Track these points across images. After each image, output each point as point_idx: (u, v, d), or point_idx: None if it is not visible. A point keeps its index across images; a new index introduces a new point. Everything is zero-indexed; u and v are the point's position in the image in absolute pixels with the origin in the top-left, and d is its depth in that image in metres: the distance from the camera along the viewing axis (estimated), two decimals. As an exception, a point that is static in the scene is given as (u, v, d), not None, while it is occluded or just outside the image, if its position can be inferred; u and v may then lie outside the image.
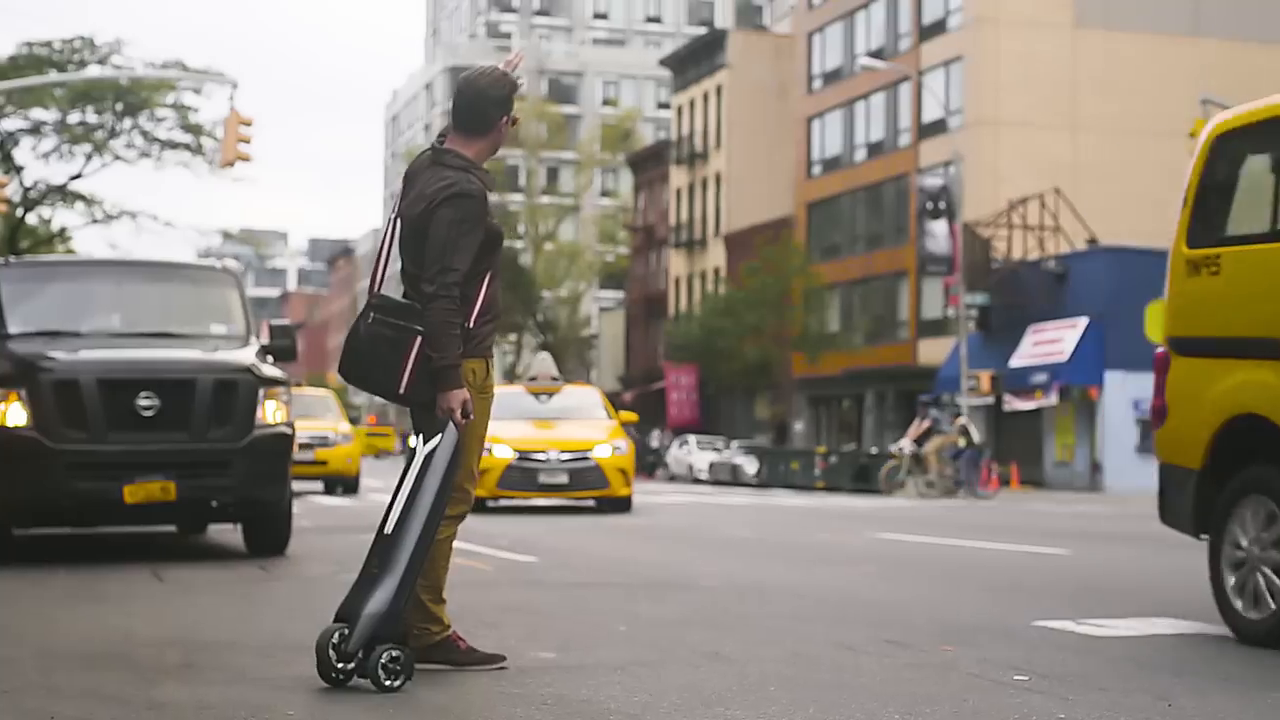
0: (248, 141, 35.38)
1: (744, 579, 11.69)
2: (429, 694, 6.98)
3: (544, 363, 29.13)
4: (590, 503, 26.96)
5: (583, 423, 27.72)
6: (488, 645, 8.55)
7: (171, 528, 18.21)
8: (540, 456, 25.98)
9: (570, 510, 26.46)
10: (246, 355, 14.85)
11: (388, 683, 6.98)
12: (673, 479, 67.62)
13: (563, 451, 26.17)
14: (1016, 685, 7.19)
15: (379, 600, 7.12)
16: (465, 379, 7.45)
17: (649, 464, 70.37)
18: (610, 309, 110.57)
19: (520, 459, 25.67)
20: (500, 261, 7.79)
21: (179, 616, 10.01)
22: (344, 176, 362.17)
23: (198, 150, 58.22)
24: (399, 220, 7.73)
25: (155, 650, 8.30)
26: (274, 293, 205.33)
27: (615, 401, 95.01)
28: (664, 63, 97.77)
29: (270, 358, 15.27)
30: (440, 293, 7.34)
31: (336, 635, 7.14)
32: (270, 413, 14.56)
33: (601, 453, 26.37)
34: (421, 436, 7.41)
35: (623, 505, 26.63)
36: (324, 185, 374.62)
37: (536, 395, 28.12)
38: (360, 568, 7.41)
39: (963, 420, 43.33)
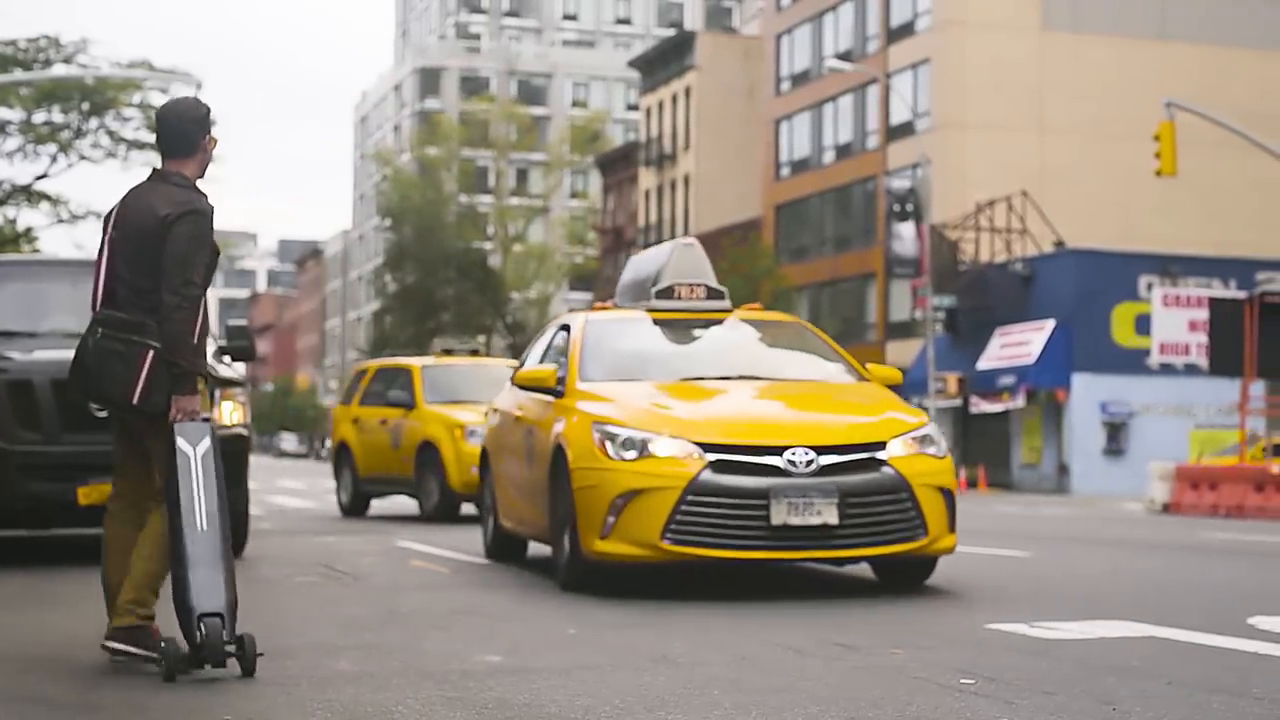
0: (215, 143, 35.16)
1: (698, 581, 11.61)
2: (374, 698, 6.92)
3: (687, 258, 13.97)
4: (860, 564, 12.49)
5: (813, 389, 12.73)
6: (435, 648, 8.56)
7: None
8: (769, 459, 11.26)
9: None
10: (203, 356, 14.73)
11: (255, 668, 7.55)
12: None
13: (812, 449, 11.36)
14: (963, 689, 7.14)
15: (229, 592, 7.66)
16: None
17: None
18: (578, 310, 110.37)
19: (719, 465, 11.18)
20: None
21: (127, 619, 9.93)
22: (313, 178, 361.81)
23: (165, 151, 57.78)
24: (118, 238, 8.08)
25: (98, 653, 8.22)
26: (243, 294, 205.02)
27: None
28: (633, 64, 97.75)
29: (227, 358, 15.16)
30: (184, 304, 7.73)
31: (223, 630, 7.51)
32: (226, 414, 14.45)
33: (897, 451, 11.62)
34: (185, 440, 7.80)
35: (927, 568, 12.13)
36: (293, 186, 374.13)
37: (675, 324, 13.67)
38: (187, 565, 7.66)
39: None
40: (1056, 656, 8.20)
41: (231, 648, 7.50)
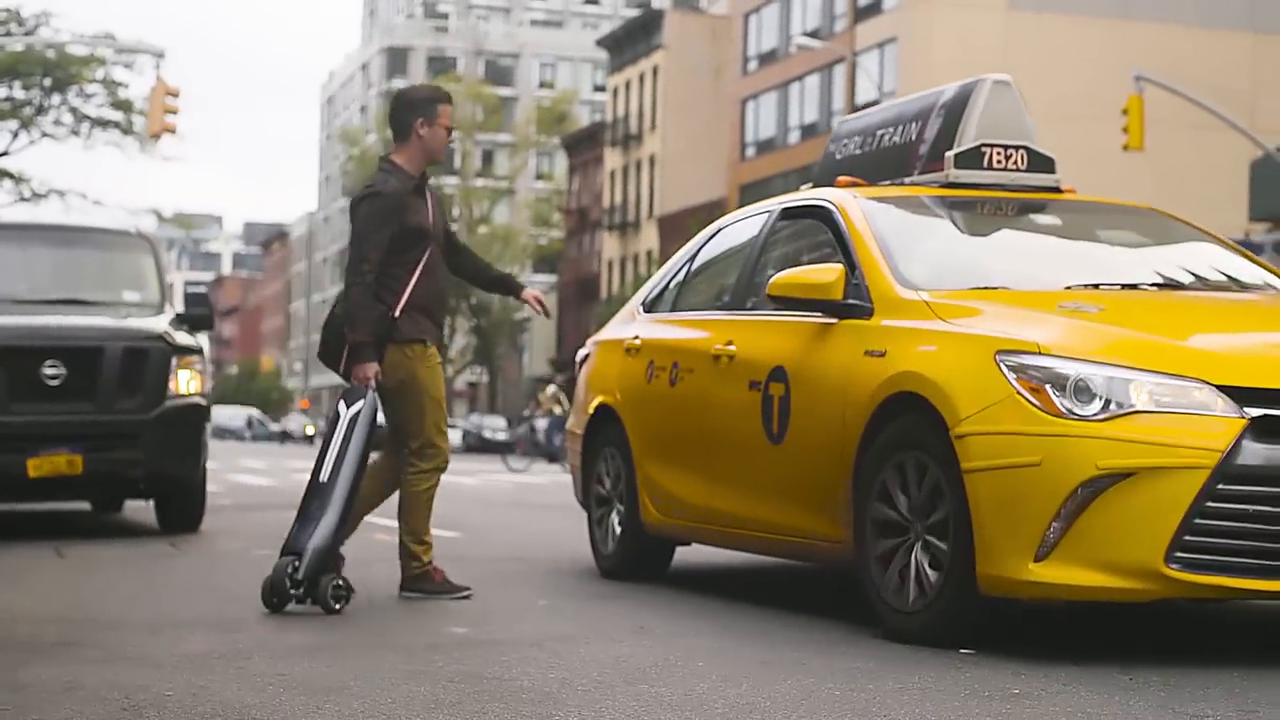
0: (175, 113, 34.67)
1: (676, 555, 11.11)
2: (327, 670, 6.42)
3: (1002, 104, 9.15)
4: None
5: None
6: (398, 620, 8.08)
7: (85, 505, 17.57)
8: None
9: (496, 478, 25.71)
10: (159, 323, 14.18)
11: (336, 606, 8.26)
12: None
13: None
14: (963, 658, 6.68)
15: (321, 536, 8.38)
16: (405, 355, 8.95)
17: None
18: (542, 293, 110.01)
19: (1270, 427, 6.63)
20: (433, 259, 9.06)
21: (70, 593, 9.42)
22: (279, 160, 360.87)
23: (129, 129, 57.12)
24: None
25: (35, 628, 7.71)
26: (208, 276, 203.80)
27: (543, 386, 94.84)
28: (600, 43, 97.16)
29: (186, 326, 14.63)
30: (354, 280, 8.85)
31: (290, 566, 8.30)
32: (183, 382, 13.91)
33: None
34: (344, 402, 8.71)
35: None
36: (259, 169, 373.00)
37: (986, 208, 9.14)
38: (299, 510, 8.56)
39: (553, 389, 46.66)
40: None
41: (289, 585, 8.26)
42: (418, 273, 8.97)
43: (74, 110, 57.07)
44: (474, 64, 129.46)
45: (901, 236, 8.42)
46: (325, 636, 7.44)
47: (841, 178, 9.31)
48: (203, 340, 15.14)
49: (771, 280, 8.33)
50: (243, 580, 10.08)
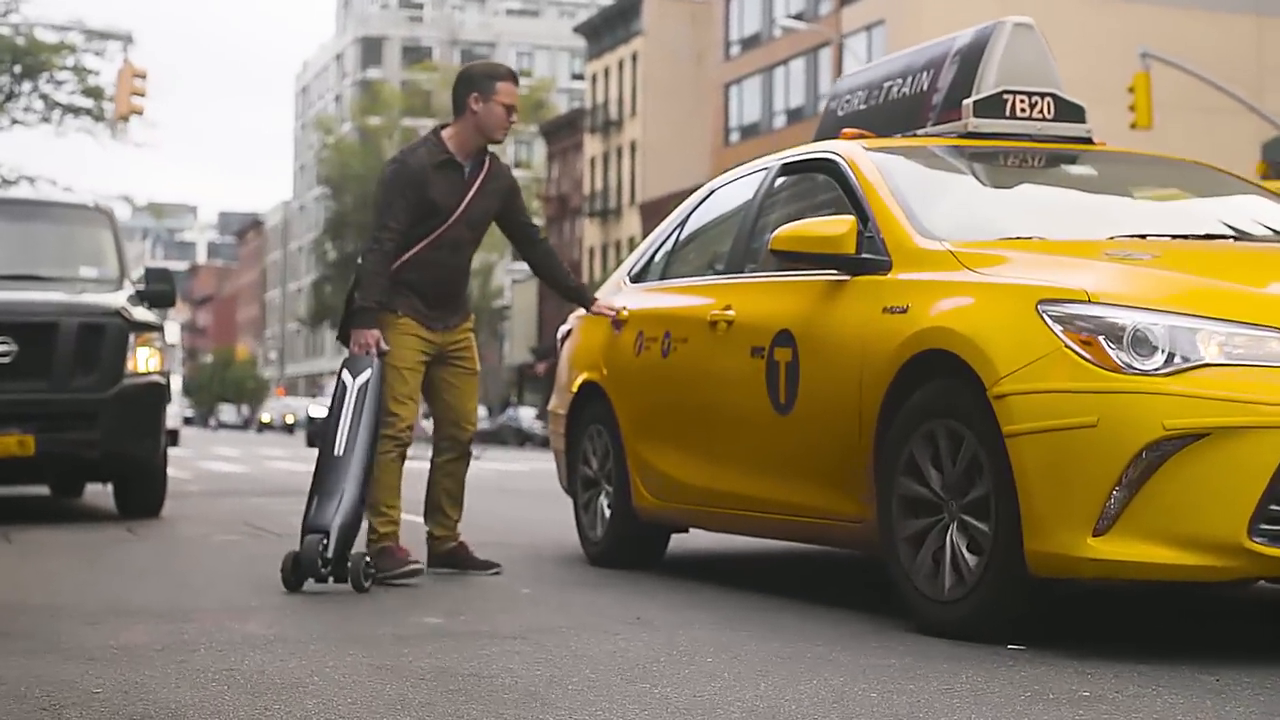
0: (142, 94, 33.77)
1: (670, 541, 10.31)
2: (280, 666, 5.59)
3: (1024, 48, 8.32)
4: None
5: None
6: (363, 610, 7.28)
7: (44, 490, 16.76)
8: None
9: (474, 465, 24.83)
10: (116, 298, 13.40)
11: (366, 584, 8.00)
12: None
13: None
14: (1013, 654, 5.87)
15: (346, 513, 8.10)
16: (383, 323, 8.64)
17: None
18: (522, 281, 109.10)
19: None
20: (444, 238, 8.76)
21: (12, 580, 8.59)
22: (254, 149, 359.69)
23: (100, 116, 56.24)
24: None
25: (-38, 616, 6.91)
26: (183, 266, 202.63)
27: (527, 374, 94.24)
28: (579, 30, 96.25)
29: (146, 303, 13.82)
30: (370, 246, 8.66)
31: (320, 544, 7.99)
32: (142, 360, 13.14)
33: None
34: (349, 372, 8.44)
35: None
36: (234, 158, 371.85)
37: (1010, 160, 8.23)
38: (316, 486, 8.21)
39: None
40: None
41: (320, 564, 7.95)
42: (419, 248, 8.70)
43: (45, 97, 56.13)
44: (449, 53, 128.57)
45: (918, 188, 7.55)
46: (282, 628, 6.61)
47: (847, 130, 8.49)
48: (173, 328, 14.30)
49: (774, 235, 7.44)
50: (201, 567, 9.31)
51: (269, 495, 17.99)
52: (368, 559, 8.10)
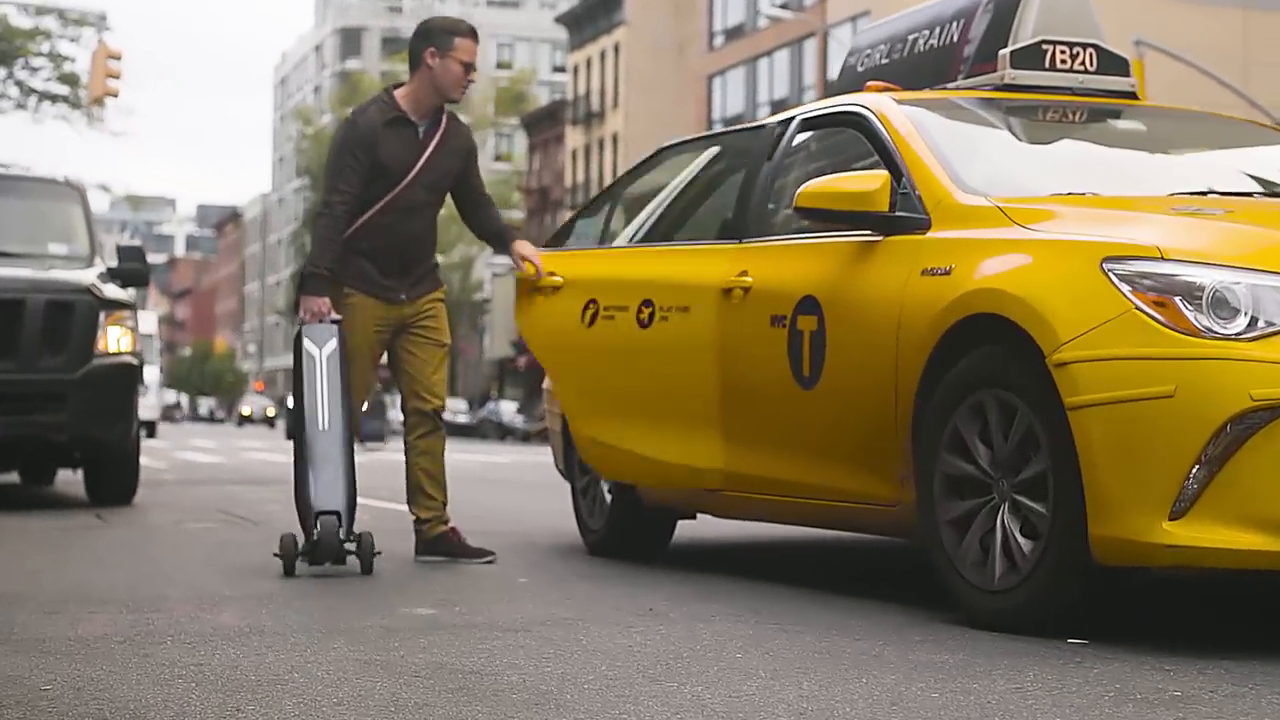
0: (117, 76, 33.03)
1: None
2: (256, 660, 4.95)
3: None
4: None
5: None
6: (347, 600, 6.64)
7: (14, 478, 16.09)
8: None
9: (456, 458, 24.16)
10: (86, 275, 12.74)
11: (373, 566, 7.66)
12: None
13: None
14: (1078, 650, 5.25)
15: (349, 489, 7.77)
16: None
17: (541, 431, 68.09)
18: (502, 274, 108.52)
19: None
20: (399, 201, 8.24)
21: (-35, 567, 7.97)
22: (233, 142, 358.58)
23: (76, 103, 55.63)
24: None
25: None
26: (161, 259, 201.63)
27: (508, 368, 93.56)
28: (560, 20, 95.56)
29: (118, 281, 13.17)
30: (322, 211, 8.21)
31: (339, 528, 7.64)
32: (113, 340, 12.47)
33: None
34: (311, 342, 7.99)
35: None
36: (212, 151, 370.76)
37: (1048, 114, 7.59)
38: (308, 464, 7.75)
39: None
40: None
41: (351, 546, 7.64)
42: (371, 213, 8.21)
43: (20, 84, 55.53)
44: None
45: (955, 142, 6.89)
46: (258, 619, 5.96)
47: (872, 83, 7.83)
48: (150, 319, 13.66)
49: (799, 191, 6.75)
50: (172, 555, 8.67)
51: (245, 484, 17.33)
52: (373, 540, 7.74)
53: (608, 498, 8.70)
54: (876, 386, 6.37)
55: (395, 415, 63.91)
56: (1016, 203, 6.20)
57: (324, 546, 7.55)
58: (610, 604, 6.47)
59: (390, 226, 8.23)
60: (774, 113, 56.50)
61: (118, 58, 33.05)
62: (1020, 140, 7.36)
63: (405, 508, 8.49)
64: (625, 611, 6.21)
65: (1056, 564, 5.49)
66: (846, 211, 6.56)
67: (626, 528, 8.61)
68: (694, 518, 8.76)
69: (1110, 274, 5.40)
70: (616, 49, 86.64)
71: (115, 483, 13.15)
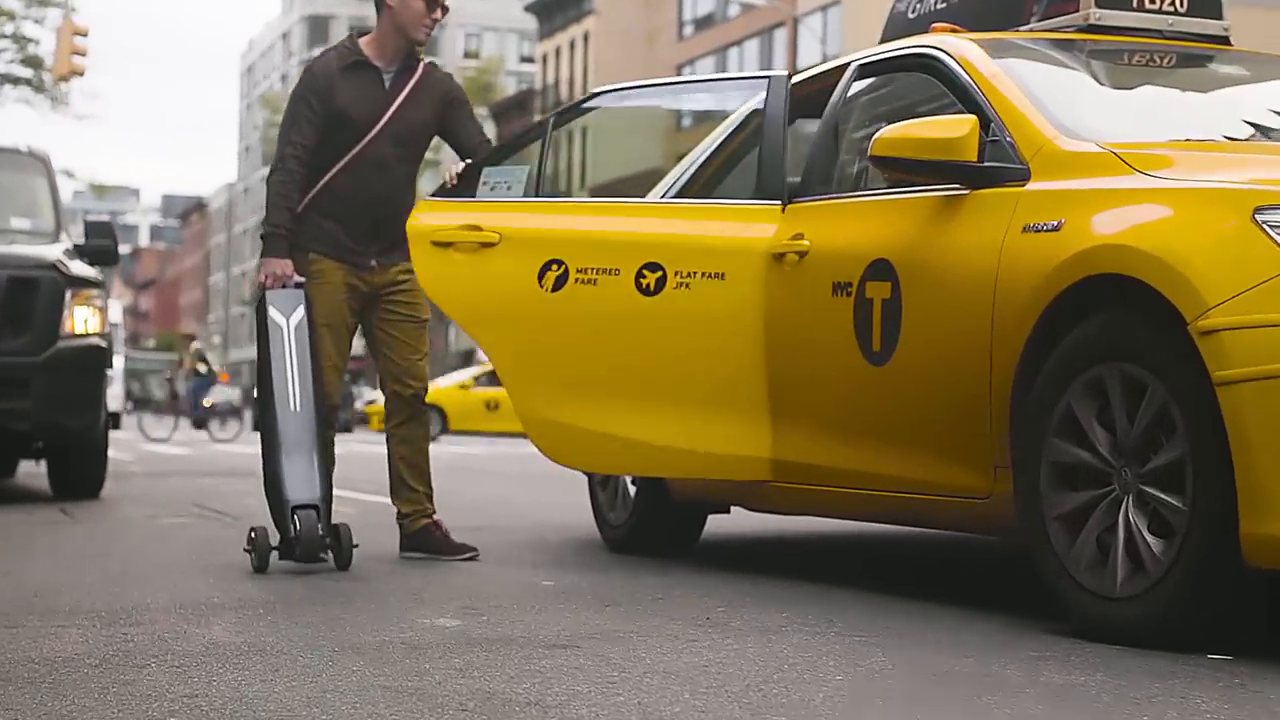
0: (83, 54, 32.04)
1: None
2: (268, 690, 4.09)
3: None
4: None
5: None
6: (356, 609, 5.78)
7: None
8: None
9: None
10: (52, 251, 11.88)
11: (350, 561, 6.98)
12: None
13: None
14: (1236, 668, 4.42)
15: (325, 478, 7.09)
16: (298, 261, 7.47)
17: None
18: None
19: None
20: (366, 155, 7.53)
21: (-84, 569, 7.09)
22: (198, 131, 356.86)
23: (40, 86, 54.68)
24: None
25: None
26: (125, 249, 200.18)
27: (477, 360, 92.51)
28: (529, 9, 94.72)
29: (85, 259, 12.30)
30: (275, 166, 7.50)
31: (319, 523, 6.93)
32: (80, 320, 11.61)
33: None
34: (277, 310, 7.22)
35: None
36: (177, 140, 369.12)
37: (1131, 58, 6.77)
38: (280, 451, 7.03)
39: (198, 345, 44.06)
40: None
41: (326, 540, 6.95)
42: (336, 169, 7.52)
43: (-18, 66, 54.58)
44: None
45: (1045, 85, 6.07)
46: (256, 633, 5.11)
47: (938, 24, 6.98)
48: (114, 309, 12.77)
49: (876, 138, 5.90)
50: (148, 554, 7.81)
51: (218, 476, 16.42)
52: (351, 533, 7.07)
53: (631, 490, 7.86)
54: (966, 361, 5.53)
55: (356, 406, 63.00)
56: (1135, 148, 5.37)
57: (306, 544, 6.86)
58: (658, 612, 5.62)
59: (358, 184, 7.53)
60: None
61: (84, 34, 32.07)
62: (1106, 86, 6.53)
63: (388, 499, 7.69)
64: (680, 621, 5.36)
65: (1196, 566, 4.65)
66: (928, 161, 5.72)
67: (653, 523, 7.77)
68: (727, 511, 7.93)
69: (1265, 226, 4.58)
70: (586, 38, 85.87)
71: (81, 474, 12.28)
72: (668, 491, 7.56)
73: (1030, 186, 5.51)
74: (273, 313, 7.20)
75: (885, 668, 4.44)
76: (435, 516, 7.67)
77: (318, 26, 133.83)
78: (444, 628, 5.24)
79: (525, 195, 7.20)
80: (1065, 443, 5.09)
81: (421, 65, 7.67)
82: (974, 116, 5.75)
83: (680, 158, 7.70)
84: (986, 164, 5.67)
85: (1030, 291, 5.22)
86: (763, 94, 7.24)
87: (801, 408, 6.50)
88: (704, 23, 74.85)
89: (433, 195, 7.35)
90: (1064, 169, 5.46)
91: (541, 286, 6.85)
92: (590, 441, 6.90)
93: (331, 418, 7.38)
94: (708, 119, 68.60)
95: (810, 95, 7.45)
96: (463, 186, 7.34)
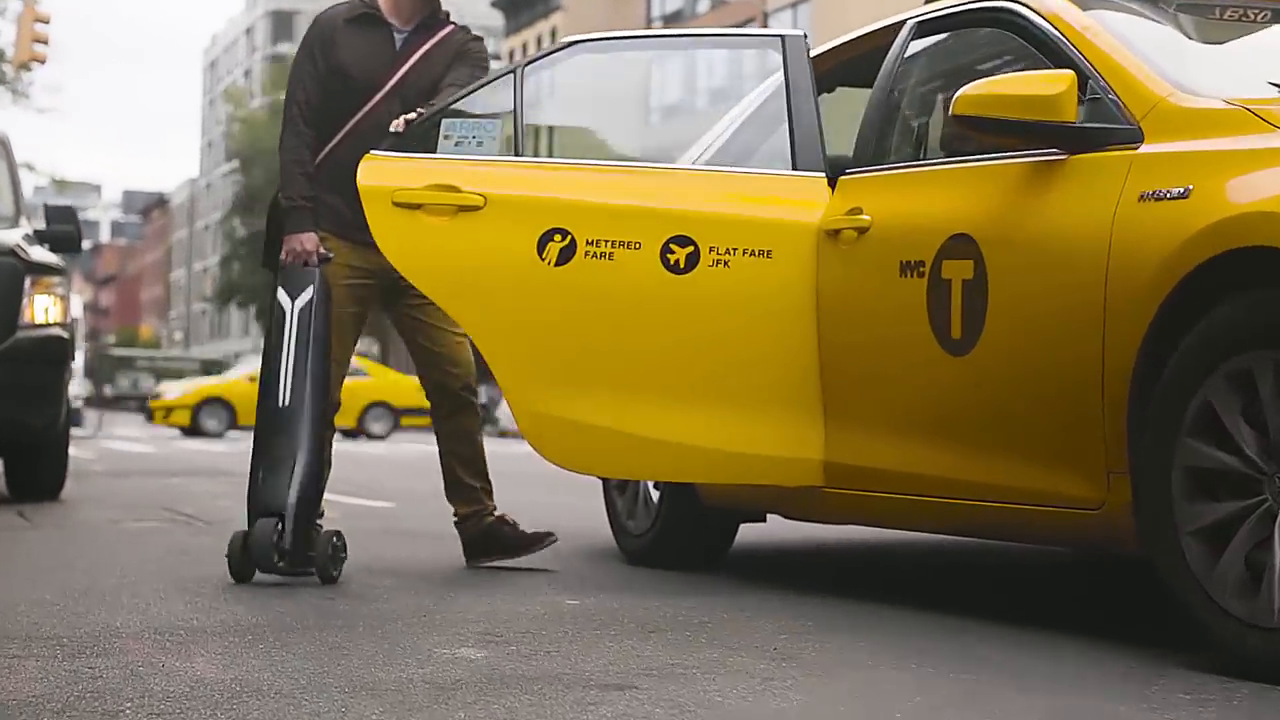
0: (45, 42, 31.14)
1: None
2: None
3: None
4: None
5: None
6: (359, 636, 4.99)
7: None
8: None
9: (405, 446, 22.55)
10: (10, 236, 11.07)
11: (335, 573, 6.27)
12: (503, 435, 63.70)
13: None
14: None
15: (302, 484, 6.25)
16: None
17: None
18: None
19: None
20: (372, 118, 6.67)
21: None
22: (160, 126, 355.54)
23: (0, 79, 53.90)
24: None
25: None
26: (86, 244, 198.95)
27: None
28: (495, 4, 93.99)
29: (46, 245, 11.50)
30: (284, 128, 6.81)
31: (275, 533, 6.16)
32: (40, 309, 10.80)
33: None
34: (284, 292, 6.44)
35: None
36: (139, 136, 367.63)
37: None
38: (260, 452, 6.32)
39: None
40: None
41: (275, 555, 6.17)
42: (337, 139, 6.76)
43: (-58, 59, 53.77)
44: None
45: (1144, 38, 5.31)
46: (247, 666, 4.31)
47: None
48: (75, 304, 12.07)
49: (958, 96, 5.10)
50: (114, 565, 7.01)
51: (185, 475, 15.62)
52: (337, 541, 6.34)
53: (654, 495, 7.08)
54: (1070, 348, 4.76)
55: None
56: (1270, 103, 4.62)
57: (254, 553, 6.19)
58: (713, 641, 4.84)
59: (362, 154, 6.48)
60: (714, 101, 54.66)
61: (46, 21, 31.16)
62: (1199, 42, 5.77)
63: (378, 503, 6.92)
64: (741, 652, 4.58)
65: (1373, 593, 3.90)
66: (1021, 121, 4.94)
67: (679, 532, 6.98)
68: (763, 520, 7.16)
69: None
70: (553, 34, 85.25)
71: (41, 474, 11.48)
72: (697, 497, 6.78)
73: (1146, 149, 4.74)
74: (280, 294, 6.47)
75: (1015, 708, 3.67)
76: (499, 512, 6.99)
77: (281, 21, 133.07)
78: (469, 660, 4.46)
79: (504, 154, 6.34)
80: (1203, 444, 4.32)
81: (448, 28, 6.92)
82: (1070, 72, 4.99)
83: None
84: (1089, 125, 4.91)
85: (1153, 269, 4.46)
86: (777, 56, 6.42)
87: (862, 403, 5.73)
88: (672, 19, 74.30)
89: (381, 149, 6.33)
90: (1186, 128, 4.70)
91: (543, 259, 5.93)
92: (603, 442, 6.02)
93: (330, 415, 6.62)
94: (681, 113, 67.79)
95: (852, 60, 6.71)
96: (414, 140, 6.37)
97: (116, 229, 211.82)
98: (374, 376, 36.97)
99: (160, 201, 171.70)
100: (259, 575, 6.26)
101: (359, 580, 6.36)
